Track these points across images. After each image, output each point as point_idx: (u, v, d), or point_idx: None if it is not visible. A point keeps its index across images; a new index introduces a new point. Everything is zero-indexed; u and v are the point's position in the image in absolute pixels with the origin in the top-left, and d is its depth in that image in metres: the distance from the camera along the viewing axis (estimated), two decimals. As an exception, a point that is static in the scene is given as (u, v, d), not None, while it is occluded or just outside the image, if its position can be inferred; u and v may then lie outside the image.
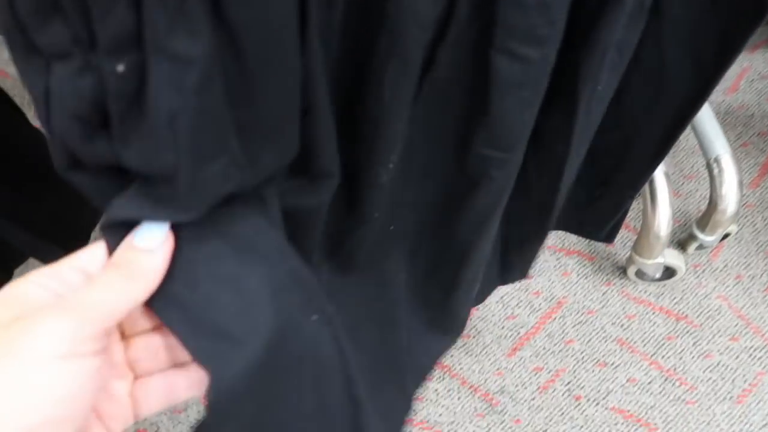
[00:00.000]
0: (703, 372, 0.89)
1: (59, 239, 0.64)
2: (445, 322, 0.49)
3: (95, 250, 0.24)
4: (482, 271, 0.47)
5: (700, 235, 0.87)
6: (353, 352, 0.29)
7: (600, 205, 0.56)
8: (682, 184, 1.02)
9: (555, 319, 0.93)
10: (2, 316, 0.22)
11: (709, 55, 0.39)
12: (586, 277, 0.96)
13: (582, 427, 0.86)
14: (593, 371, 0.89)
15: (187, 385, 0.27)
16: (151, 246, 0.23)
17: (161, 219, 0.23)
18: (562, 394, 0.88)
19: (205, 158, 0.22)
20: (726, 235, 0.90)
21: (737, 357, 0.89)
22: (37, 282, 0.23)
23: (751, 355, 0.89)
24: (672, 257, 0.87)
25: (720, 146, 0.81)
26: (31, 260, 0.72)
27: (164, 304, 0.24)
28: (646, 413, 0.86)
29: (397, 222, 0.40)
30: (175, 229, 0.24)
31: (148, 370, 0.26)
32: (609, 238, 0.61)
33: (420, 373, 0.52)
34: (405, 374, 0.48)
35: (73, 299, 0.22)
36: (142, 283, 0.23)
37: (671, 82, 0.42)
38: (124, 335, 0.26)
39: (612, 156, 0.49)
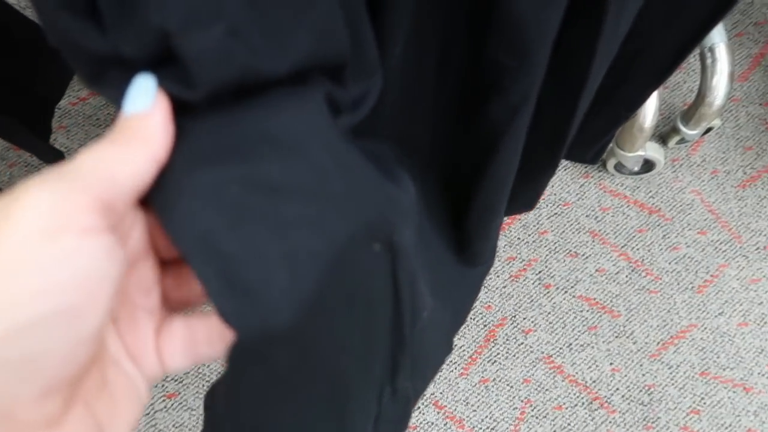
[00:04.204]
0: (669, 263, 0.91)
1: (16, 110, 0.60)
2: (465, 249, 0.45)
3: None
4: (504, 198, 0.42)
5: (684, 129, 0.86)
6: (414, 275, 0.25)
7: (592, 126, 0.51)
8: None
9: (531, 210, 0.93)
10: None
11: None
12: (564, 169, 0.95)
13: (549, 313, 0.89)
14: (564, 261, 0.91)
15: (206, 337, 0.23)
16: (140, 107, 0.20)
17: (157, 84, 0.19)
18: (533, 283, 0.90)
19: (194, 22, 0.18)
20: (708, 130, 0.89)
21: (703, 250, 0.92)
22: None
23: (716, 248, 0.92)
24: (652, 150, 0.86)
25: (716, 35, 0.77)
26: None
27: (178, 220, 0.19)
28: (611, 301, 0.90)
29: (408, 131, 0.36)
30: (192, 122, 0.20)
31: (177, 302, 0.23)
32: (594, 159, 0.58)
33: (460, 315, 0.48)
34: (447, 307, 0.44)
35: (63, 169, 0.19)
36: (141, 148, 0.19)
37: None
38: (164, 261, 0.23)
39: (615, 70, 0.43)
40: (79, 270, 0.18)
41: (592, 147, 0.57)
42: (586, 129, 0.52)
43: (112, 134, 0.20)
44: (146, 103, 0.20)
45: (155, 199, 0.20)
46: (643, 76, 0.46)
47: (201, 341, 0.23)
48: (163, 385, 0.85)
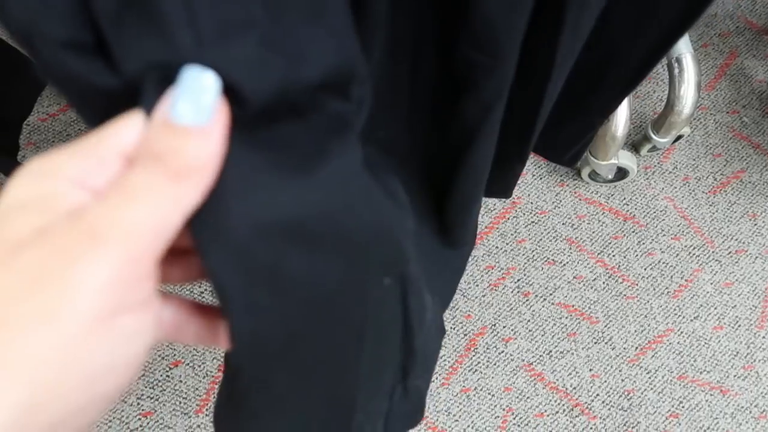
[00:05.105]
0: (645, 269, 0.93)
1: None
2: (447, 235, 0.47)
3: (137, 122, 0.16)
4: (482, 187, 0.44)
5: (655, 137, 0.88)
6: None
7: (567, 129, 0.54)
8: (640, 84, 1.01)
9: (508, 219, 0.94)
10: (22, 227, 0.15)
11: None
12: (540, 178, 0.96)
13: (529, 321, 0.89)
14: (542, 269, 0.92)
15: (195, 336, 0.22)
16: (197, 118, 0.15)
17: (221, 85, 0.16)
18: (512, 291, 0.91)
19: (227, 33, 0.16)
20: (678, 137, 0.91)
21: (677, 255, 0.93)
22: (71, 178, 0.16)
23: (690, 253, 0.94)
24: (625, 158, 0.88)
25: (683, 45, 0.79)
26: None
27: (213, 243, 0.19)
28: (589, 308, 0.90)
29: (386, 134, 0.37)
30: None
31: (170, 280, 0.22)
32: (572, 161, 0.60)
33: (447, 296, 0.50)
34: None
35: (108, 219, 0.15)
36: (193, 183, 0.15)
37: (661, 2, 0.39)
38: None
39: (587, 77, 0.46)
40: (132, 353, 0.16)
41: (569, 149, 0.59)
42: (563, 132, 0.55)
43: (158, 153, 0.15)
44: (206, 114, 0.15)
45: (193, 225, 0.19)
46: (613, 83, 0.48)
47: (190, 331, 0.21)
48: (138, 403, 0.83)
